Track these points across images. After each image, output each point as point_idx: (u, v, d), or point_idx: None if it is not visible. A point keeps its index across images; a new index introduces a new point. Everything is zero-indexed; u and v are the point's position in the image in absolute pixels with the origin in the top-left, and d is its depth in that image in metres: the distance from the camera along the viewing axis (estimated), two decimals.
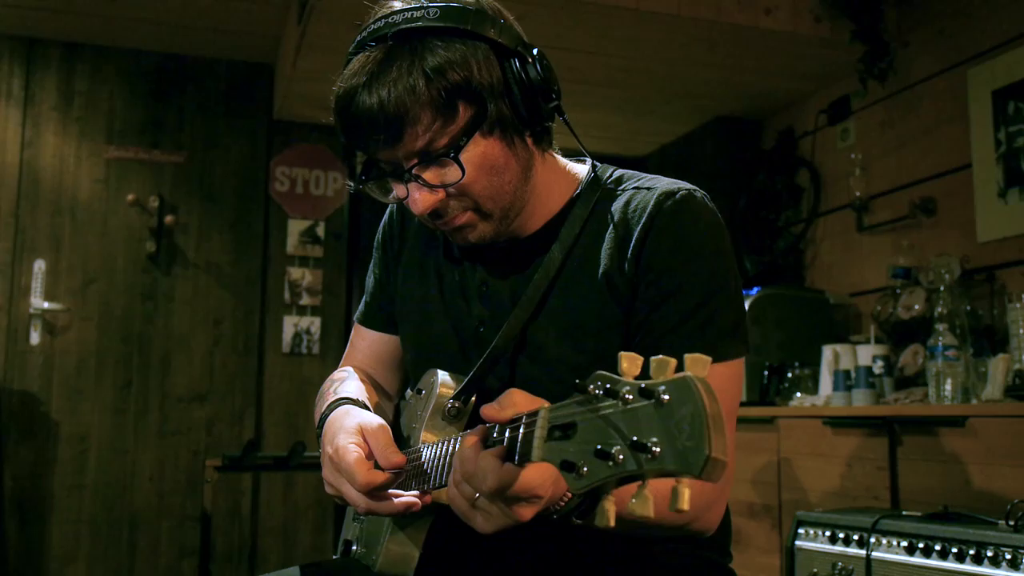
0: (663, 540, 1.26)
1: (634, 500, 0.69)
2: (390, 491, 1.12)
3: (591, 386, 0.74)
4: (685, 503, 0.64)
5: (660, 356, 0.69)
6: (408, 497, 1.12)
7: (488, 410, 0.90)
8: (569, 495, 0.91)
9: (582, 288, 1.20)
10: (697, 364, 0.67)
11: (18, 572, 4.03)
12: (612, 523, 0.73)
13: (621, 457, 0.69)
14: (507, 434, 0.87)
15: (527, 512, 0.88)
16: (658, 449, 0.66)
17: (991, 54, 3.22)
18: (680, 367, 0.68)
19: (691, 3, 3.36)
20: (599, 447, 0.71)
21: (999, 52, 3.19)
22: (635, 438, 0.68)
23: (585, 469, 0.73)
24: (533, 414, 0.82)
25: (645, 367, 0.71)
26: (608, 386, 0.72)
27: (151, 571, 4.20)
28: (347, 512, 1.44)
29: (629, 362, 0.72)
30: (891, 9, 3.57)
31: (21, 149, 4.22)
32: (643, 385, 0.69)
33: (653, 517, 0.68)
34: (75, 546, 4.12)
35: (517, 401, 0.89)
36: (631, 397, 0.70)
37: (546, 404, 0.82)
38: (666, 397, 0.66)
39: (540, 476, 0.86)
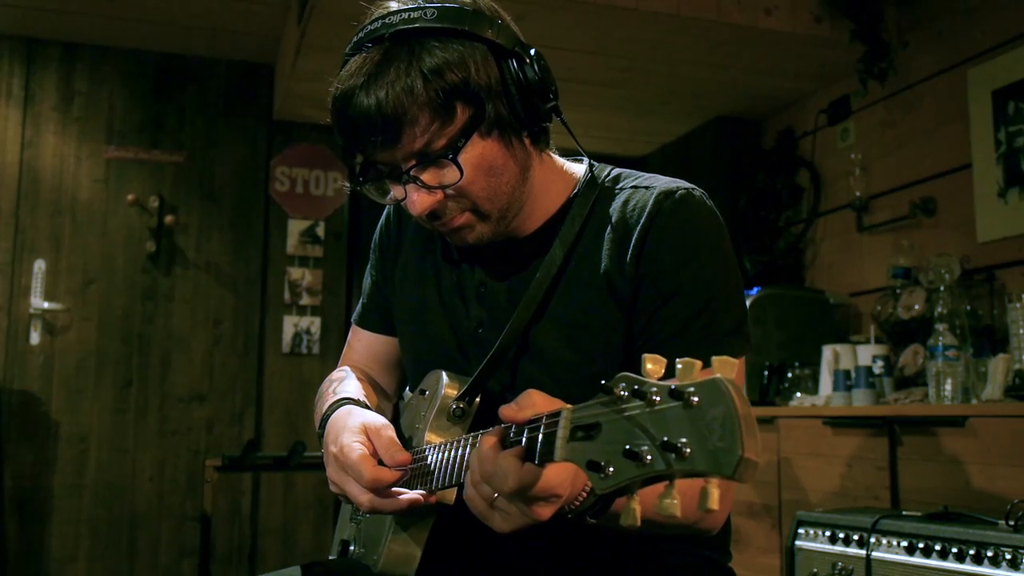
0: (662, 539, 1.26)
1: (665, 500, 0.69)
2: (394, 489, 1.12)
3: (616, 387, 0.74)
4: (715, 503, 0.65)
5: (687, 358, 0.70)
6: (413, 494, 1.12)
7: (507, 411, 0.90)
8: (584, 495, 0.91)
9: (582, 289, 1.20)
10: (725, 366, 0.68)
11: (18, 572, 4.03)
12: (639, 523, 0.73)
13: (649, 458, 0.70)
14: (526, 434, 0.87)
15: (546, 512, 0.89)
16: (688, 450, 0.67)
17: (991, 54, 3.22)
18: (705, 367, 0.69)
19: (691, 3, 3.36)
20: (627, 447, 0.71)
21: (999, 52, 3.19)
22: (665, 438, 0.69)
23: (611, 469, 0.73)
24: (555, 415, 0.83)
25: (669, 369, 0.72)
26: (636, 387, 0.73)
27: (151, 571, 4.21)
28: (342, 512, 1.44)
29: (654, 364, 0.73)
30: (891, 9, 3.57)
31: (21, 149, 4.22)
32: (673, 387, 0.69)
33: (680, 517, 0.69)
34: (75, 546, 4.12)
35: (536, 402, 0.89)
36: (659, 399, 0.70)
37: (565, 405, 0.83)
38: (696, 399, 0.67)
39: (560, 476, 0.86)
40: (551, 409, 0.85)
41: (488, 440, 0.91)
